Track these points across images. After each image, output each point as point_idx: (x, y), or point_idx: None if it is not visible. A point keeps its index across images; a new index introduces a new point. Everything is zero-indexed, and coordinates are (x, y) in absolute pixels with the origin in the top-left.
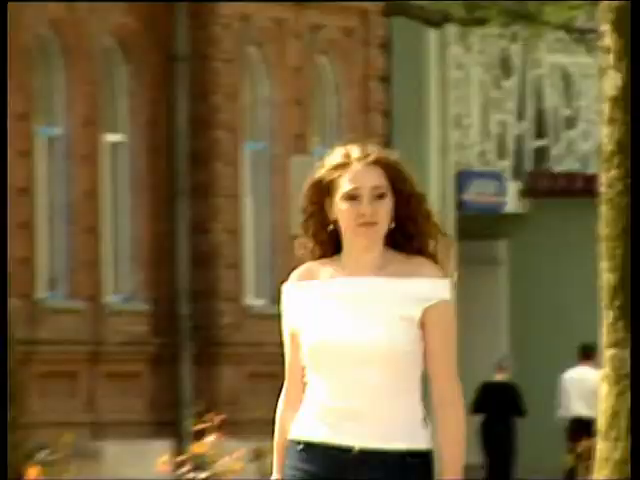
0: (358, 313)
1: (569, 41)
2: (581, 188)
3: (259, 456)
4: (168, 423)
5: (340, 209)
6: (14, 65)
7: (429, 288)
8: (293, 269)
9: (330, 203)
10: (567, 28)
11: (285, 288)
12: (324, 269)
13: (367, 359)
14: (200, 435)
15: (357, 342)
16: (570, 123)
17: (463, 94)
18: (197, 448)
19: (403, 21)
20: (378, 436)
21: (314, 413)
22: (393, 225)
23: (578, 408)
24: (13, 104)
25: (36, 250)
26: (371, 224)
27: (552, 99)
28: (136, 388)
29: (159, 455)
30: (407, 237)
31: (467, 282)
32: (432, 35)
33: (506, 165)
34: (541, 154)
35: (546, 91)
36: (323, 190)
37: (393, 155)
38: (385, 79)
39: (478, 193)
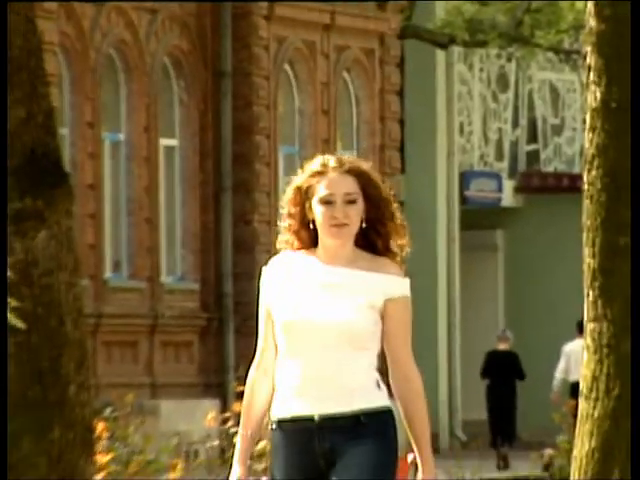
0: (330, 297)
1: (557, 61)
2: (567, 186)
3: None
4: (215, 385)
5: (317, 211)
6: (85, 80)
7: (393, 284)
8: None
9: (309, 205)
10: (555, 50)
11: (264, 270)
12: (301, 258)
13: (335, 337)
14: (241, 395)
15: (327, 322)
16: (557, 130)
17: (466, 105)
18: (238, 407)
19: (415, 43)
20: (336, 402)
21: (282, 390)
22: (364, 225)
23: (577, 374)
24: (84, 114)
25: (103, 237)
26: (342, 225)
27: (542, 110)
28: (187, 355)
29: (207, 412)
30: (376, 235)
31: (469, 265)
32: (440, 55)
33: (503, 166)
34: (533, 157)
35: (537, 103)
36: (303, 194)
37: (365, 165)
38: (400, 93)
39: (479, 190)
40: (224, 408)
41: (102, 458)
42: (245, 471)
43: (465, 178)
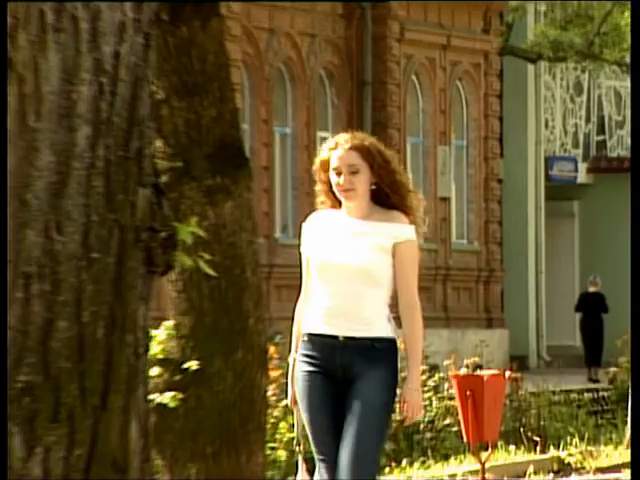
0: (350, 244)
1: (620, 72)
2: (627, 167)
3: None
4: None
5: (332, 179)
6: (261, 88)
7: (399, 230)
8: (433, 218)
9: (329, 173)
10: (618, 63)
11: (303, 226)
12: (330, 215)
13: (355, 275)
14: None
15: (349, 263)
16: (620, 125)
17: (550, 106)
18: None
19: (511, 59)
20: (356, 328)
21: (315, 314)
22: (374, 187)
23: None
24: (260, 113)
25: (274, 207)
26: (349, 190)
27: (608, 109)
28: None
29: None
30: (386, 195)
31: (552, 228)
32: (530, 68)
33: (578, 152)
34: (601, 145)
35: (604, 104)
36: (325, 164)
37: (369, 141)
38: (499, 96)
39: (560, 170)
40: None
41: (273, 373)
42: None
43: (549, 161)
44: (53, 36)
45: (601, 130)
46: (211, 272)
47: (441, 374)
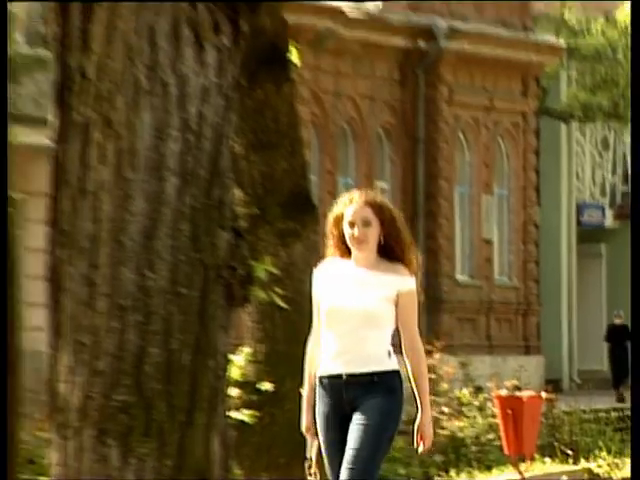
0: (358, 291)
1: None
2: None
3: (464, 365)
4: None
5: (345, 231)
6: (327, 144)
7: (402, 282)
8: (478, 258)
9: (342, 226)
10: None
11: (315, 272)
12: (339, 262)
13: (361, 320)
14: (430, 353)
15: (356, 309)
16: None
17: (580, 160)
18: (430, 361)
19: (547, 118)
20: (357, 365)
21: (325, 357)
22: (382, 242)
23: None
24: (326, 165)
25: None
26: (362, 241)
27: None
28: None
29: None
30: (392, 248)
31: (583, 268)
32: (563, 127)
33: (605, 201)
34: (626, 194)
35: (628, 159)
36: (338, 219)
37: (380, 198)
38: (536, 151)
39: (589, 216)
40: None
41: None
42: (310, 417)
43: (580, 208)
44: (146, 99)
45: (625, 181)
46: (283, 305)
47: (485, 395)
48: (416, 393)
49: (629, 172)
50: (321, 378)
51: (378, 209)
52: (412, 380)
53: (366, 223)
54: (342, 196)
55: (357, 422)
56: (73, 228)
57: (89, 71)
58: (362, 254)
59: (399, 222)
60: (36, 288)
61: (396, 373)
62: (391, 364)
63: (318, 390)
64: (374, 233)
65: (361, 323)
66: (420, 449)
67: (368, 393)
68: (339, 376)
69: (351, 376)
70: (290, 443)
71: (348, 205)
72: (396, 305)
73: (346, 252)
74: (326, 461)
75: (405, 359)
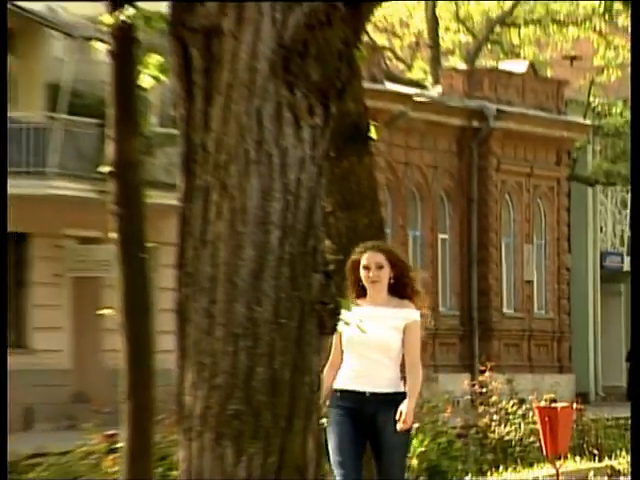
0: (373, 324)
1: None
2: None
3: (510, 381)
4: (469, 365)
5: (361, 273)
6: (399, 203)
7: (408, 315)
8: (521, 295)
9: (359, 270)
10: None
11: None
12: (356, 301)
13: (377, 347)
14: (483, 372)
15: (372, 339)
16: None
17: (604, 217)
18: (482, 378)
19: (576, 183)
20: (378, 386)
21: (345, 376)
22: (392, 281)
23: None
24: (398, 220)
25: None
26: (375, 282)
27: None
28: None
29: (463, 380)
30: (401, 286)
31: (606, 303)
32: (589, 190)
33: (624, 249)
34: None
35: None
36: (355, 264)
37: (390, 247)
38: (568, 209)
39: (611, 262)
40: (473, 378)
41: None
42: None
43: (603, 255)
44: (254, 168)
45: None
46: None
47: (527, 406)
48: (407, 391)
49: None
50: (342, 392)
51: (388, 254)
52: (408, 386)
53: (379, 266)
54: (358, 247)
55: (386, 441)
56: (196, 271)
57: (209, 145)
58: (376, 292)
59: (406, 265)
60: (167, 319)
61: (405, 394)
62: (402, 386)
63: (336, 399)
64: (386, 274)
65: (377, 350)
66: (399, 427)
67: (388, 410)
68: (362, 393)
69: (374, 394)
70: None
71: (364, 253)
72: (403, 333)
73: (362, 293)
74: (336, 456)
75: (407, 374)
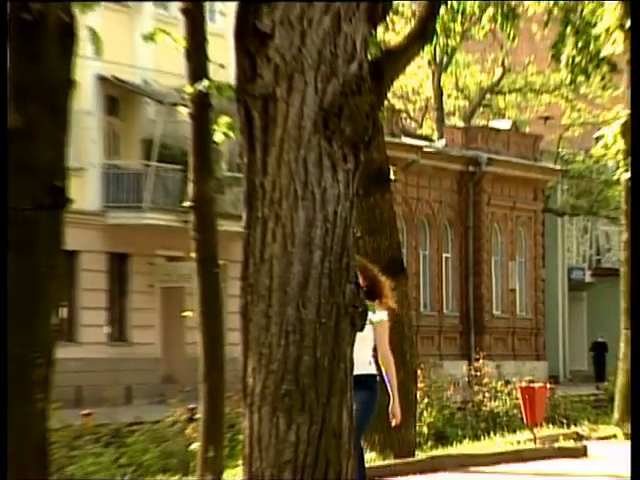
0: None
1: (609, 222)
2: (612, 273)
3: (498, 367)
4: (466, 354)
5: None
6: (412, 229)
7: (379, 315)
8: (507, 301)
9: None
10: (608, 217)
11: None
12: None
13: (359, 341)
14: (477, 360)
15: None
16: (608, 250)
17: (570, 241)
18: (477, 365)
19: (549, 214)
20: (361, 369)
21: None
22: (366, 289)
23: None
24: (411, 242)
25: (419, 291)
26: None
27: (602, 242)
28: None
29: (462, 367)
30: (375, 292)
31: (572, 306)
32: (559, 219)
33: (585, 265)
34: (598, 261)
35: (600, 239)
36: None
37: (361, 262)
38: (542, 234)
39: (576, 274)
40: (469, 366)
41: (420, 384)
42: None
43: (569, 270)
44: (301, 203)
45: (597, 253)
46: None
47: (511, 386)
48: (391, 386)
49: (600, 248)
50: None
51: (362, 268)
52: (390, 385)
53: (363, 278)
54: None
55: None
56: (256, 282)
57: (266, 185)
58: None
59: (377, 275)
60: (234, 319)
61: (375, 376)
62: (372, 369)
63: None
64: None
65: (359, 342)
66: (393, 423)
67: (361, 388)
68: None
69: (356, 376)
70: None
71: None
72: (374, 329)
73: None
74: None
75: (381, 365)
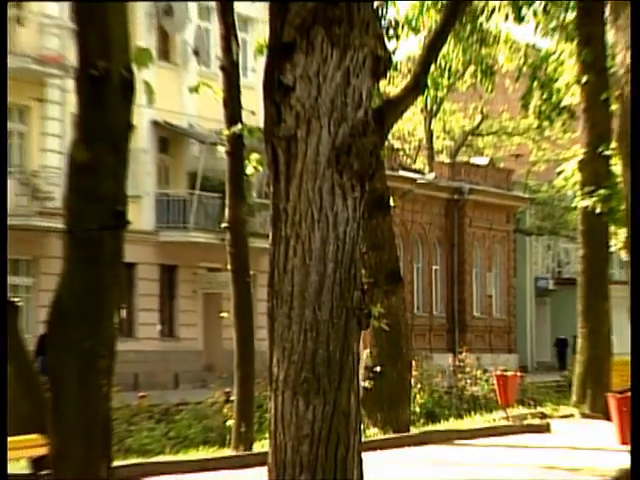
0: None
1: (568, 240)
2: (570, 282)
3: (478, 359)
4: (452, 348)
5: None
6: (408, 247)
7: None
8: (485, 304)
9: None
10: (568, 236)
11: None
12: None
13: None
14: (461, 353)
15: None
16: (568, 263)
17: (536, 256)
18: (460, 357)
19: (519, 234)
20: None
21: None
22: None
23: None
24: (407, 257)
25: (413, 296)
26: None
27: (563, 257)
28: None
29: (449, 358)
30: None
31: (538, 309)
32: (527, 238)
33: (549, 275)
34: (559, 272)
35: (562, 255)
36: None
37: None
38: (514, 250)
39: (541, 283)
40: (454, 356)
41: (414, 373)
42: None
43: (536, 279)
44: (317, 225)
45: (559, 266)
46: (386, 328)
47: (489, 374)
48: None
49: (556, 261)
50: None
51: None
52: None
53: None
54: None
55: None
56: (280, 289)
57: (288, 210)
58: None
59: None
60: (262, 319)
61: None
62: None
63: None
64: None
65: None
66: None
67: None
68: None
69: None
70: (389, 399)
71: None
72: None
73: None
74: None
75: None
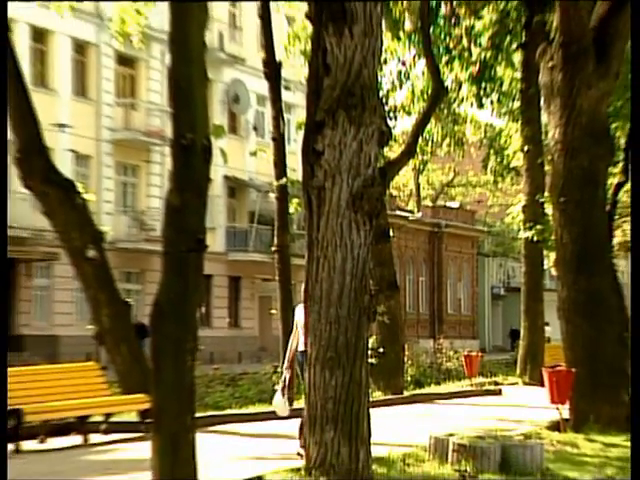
0: (301, 313)
1: (514, 260)
2: (516, 290)
3: (451, 343)
4: (433, 336)
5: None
6: (404, 264)
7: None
8: (455, 305)
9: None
10: (515, 257)
11: (296, 309)
12: (300, 307)
13: (302, 327)
14: (439, 339)
15: (301, 321)
16: (514, 277)
17: (492, 271)
18: (439, 342)
19: (481, 257)
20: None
21: (301, 342)
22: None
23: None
24: (402, 271)
25: (404, 298)
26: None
27: (515, 271)
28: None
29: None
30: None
31: (494, 309)
32: (487, 259)
33: (501, 285)
34: (508, 283)
35: (510, 272)
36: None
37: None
38: (477, 267)
39: (495, 290)
40: (435, 341)
41: (407, 352)
42: (283, 395)
43: (492, 287)
44: (338, 249)
45: (508, 278)
46: (387, 321)
47: (459, 354)
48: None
49: (509, 275)
50: (301, 352)
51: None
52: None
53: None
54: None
55: None
56: (313, 294)
57: (319, 238)
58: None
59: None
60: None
61: (305, 351)
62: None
63: (298, 354)
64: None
65: (301, 328)
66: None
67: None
68: (305, 351)
69: (303, 352)
70: (388, 371)
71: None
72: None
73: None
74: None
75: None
